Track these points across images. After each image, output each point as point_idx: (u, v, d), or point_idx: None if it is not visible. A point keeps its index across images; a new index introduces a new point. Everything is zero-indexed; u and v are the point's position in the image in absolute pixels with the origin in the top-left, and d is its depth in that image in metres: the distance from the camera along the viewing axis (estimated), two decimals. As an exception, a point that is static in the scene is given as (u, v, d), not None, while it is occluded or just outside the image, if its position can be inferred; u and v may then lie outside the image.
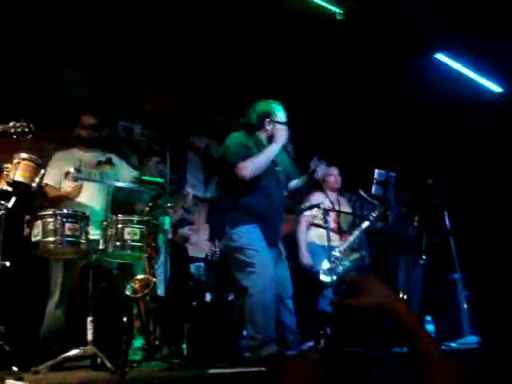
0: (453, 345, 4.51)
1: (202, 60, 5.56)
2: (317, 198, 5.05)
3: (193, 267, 5.35)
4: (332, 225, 4.96)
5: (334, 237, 4.97)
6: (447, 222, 5.33)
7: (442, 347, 4.37)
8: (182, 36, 5.25)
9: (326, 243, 4.89)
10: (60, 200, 3.85)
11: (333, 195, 5.17)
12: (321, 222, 4.91)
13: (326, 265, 4.83)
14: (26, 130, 3.38)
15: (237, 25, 5.03)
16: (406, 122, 6.41)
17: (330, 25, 4.79)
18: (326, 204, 4.86)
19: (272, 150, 3.59)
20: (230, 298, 4.51)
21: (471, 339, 4.58)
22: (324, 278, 4.81)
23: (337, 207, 5.14)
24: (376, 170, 5.08)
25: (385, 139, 6.65)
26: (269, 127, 3.72)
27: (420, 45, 5.29)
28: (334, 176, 5.26)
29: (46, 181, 3.84)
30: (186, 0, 4.85)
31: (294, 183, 3.93)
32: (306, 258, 4.96)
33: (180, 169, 6.34)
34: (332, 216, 5.00)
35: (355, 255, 4.91)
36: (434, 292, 5.31)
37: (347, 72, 5.73)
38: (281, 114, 3.76)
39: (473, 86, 5.85)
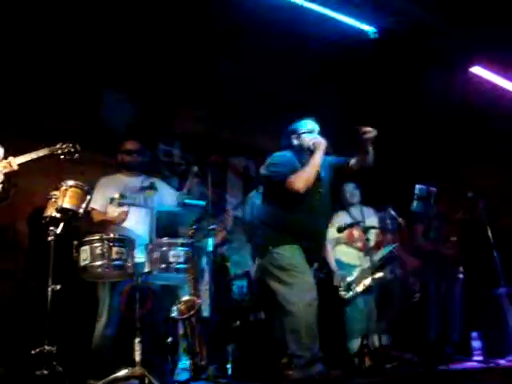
0: (501, 361, 4.42)
1: (238, 83, 5.65)
2: (341, 218, 4.98)
3: (235, 287, 5.39)
4: (359, 243, 4.96)
5: (358, 254, 4.95)
6: (490, 236, 5.25)
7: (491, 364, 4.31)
8: (218, 61, 5.37)
9: (352, 261, 4.96)
10: (106, 224, 3.98)
11: (355, 211, 5.06)
12: (344, 241, 4.97)
13: (346, 281, 4.83)
14: (73, 150, 3.55)
15: (269, 49, 5.12)
16: (443, 136, 6.37)
17: (364, 42, 4.82)
18: (349, 220, 4.80)
19: (316, 159, 3.59)
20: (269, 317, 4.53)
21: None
22: (343, 294, 4.81)
23: (361, 221, 4.93)
24: (416, 185, 5.04)
25: (423, 153, 6.61)
26: (295, 142, 3.77)
27: (456, 58, 5.27)
28: (348, 192, 5.15)
29: (92, 205, 3.97)
30: (218, 29, 4.96)
31: (354, 161, 3.78)
32: (337, 277, 4.91)
33: (221, 191, 6.43)
34: (357, 234, 4.94)
35: (378, 274, 4.77)
36: (479, 308, 5.23)
37: (381, 86, 5.74)
38: (305, 125, 3.80)
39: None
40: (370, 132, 3.59)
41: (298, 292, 3.42)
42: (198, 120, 6.39)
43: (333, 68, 5.44)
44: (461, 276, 5.15)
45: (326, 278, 4.89)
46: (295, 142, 3.78)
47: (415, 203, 4.87)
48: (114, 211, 4.01)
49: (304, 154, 3.71)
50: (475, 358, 4.69)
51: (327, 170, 3.79)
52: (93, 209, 4.03)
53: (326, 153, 3.69)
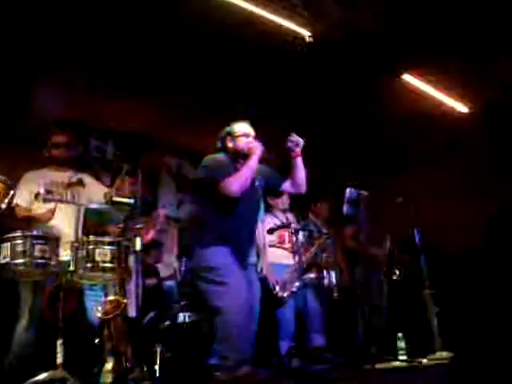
0: (424, 360, 4.56)
1: (173, 81, 5.58)
2: (269, 220, 5.00)
3: (165, 287, 5.33)
4: (287, 244, 5.07)
5: (289, 255, 5.04)
6: (417, 240, 5.41)
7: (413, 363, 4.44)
8: (156, 56, 5.28)
9: (283, 261, 5.04)
10: (31, 222, 3.82)
11: (280, 215, 5.17)
12: (275, 243, 5.07)
13: (280, 281, 4.91)
14: None
15: (205, 46, 5.08)
16: (374, 141, 6.52)
17: (300, 47, 4.87)
18: (278, 223, 4.91)
19: (251, 163, 3.56)
20: (198, 317, 4.51)
21: (442, 354, 4.64)
22: (279, 292, 4.87)
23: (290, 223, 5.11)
24: (347, 189, 5.12)
25: (353, 157, 6.74)
26: (230, 144, 3.74)
27: (388, 65, 5.40)
28: (281, 198, 5.22)
29: (16, 201, 3.80)
30: (155, 24, 4.88)
31: (287, 184, 3.86)
32: (271, 275, 4.95)
33: (152, 189, 6.35)
34: (286, 236, 5.05)
35: (310, 274, 4.99)
36: (404, 308, 5.38)
37: (314, 91, 5.81)
38: (241, 128, 3.77)
39: (440, 106, 5.99)
40: (296, 140, 3.63)
41: (230, 291, 3.38)
42: (133, 117, 6.28)
43: (267, 70, 5.45)
44: (395, 277, 5.29)
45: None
46: (230, 144, 3.75)
47: (346, 206, 4.96)
48: (39, 207, 3.87)
49: (238, 157, 3.70)
50: (400, 357, 4.82)
51: (262, 180, 3.78)
52: (17, 205, 3.85)
53: (265, 160, 3.69)
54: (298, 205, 5.52)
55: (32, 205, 3.90)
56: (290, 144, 3.66)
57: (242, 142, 3.70)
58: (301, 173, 3.77)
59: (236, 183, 3.49)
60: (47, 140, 4.18)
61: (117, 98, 5.92)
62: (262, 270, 4.82)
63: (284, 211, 5.24)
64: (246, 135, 3.73)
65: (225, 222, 3.55)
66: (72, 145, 4.21)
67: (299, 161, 3.73)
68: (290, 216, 5.27)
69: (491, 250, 6.03)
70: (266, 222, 4.94)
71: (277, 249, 5.10)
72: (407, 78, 5.56)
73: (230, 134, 3.78)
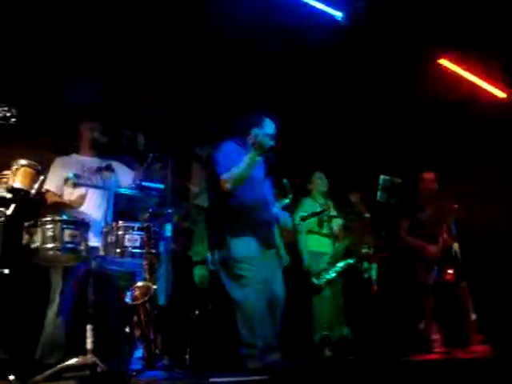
0: (460, 353, 4.44)
1: (205, 71, 5.56)
2: (307, 204, 5.05)
3: (196, 276, 5.30)
4: (325, 230, 5.08)
5: (329, 241, 4.99)
6: (453, 230, 5.26)
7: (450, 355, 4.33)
8: (184, 48, 5.26)
9: (320, 249, 5.01)
10: (62, 207, 3.82)
11: (321, 200, 5.14)
12: (315, 229, 5.06)
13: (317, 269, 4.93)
14: (8, 114, 3.25)
15: (234, 35, 5.03)
16: (410, 127, 6.37)
17: (333, 29, 4.78)
18: (317, 209, 4.91)
19: (248, 158, 3.57)
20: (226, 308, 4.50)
21: (478, 348, 4.52)
22: (315, 280, 4.88)
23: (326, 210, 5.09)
24: (381, 176, 5.01)
25: (389, 144, 6.60)
26: (252, 136, 3.74)
27: (424, 50, 5.27)
28: (321, 180, 5.25)
29: (46, 187, 3.80)
30: (183, 14, 4.84)
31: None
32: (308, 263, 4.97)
33: (184, 178, 6.33)
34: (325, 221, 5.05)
35: (346, 261, 4.96)
36: (440, 300, 5.23)
37: (345, 77, 5.71)
38: (266, 125, 3.80)
39: (476, 91, 5.82)
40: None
41: (249, 285, 3.45)
42: (164, 107, 6.27)
43: (299, 56, 5.35)
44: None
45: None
46: (251, 135, 3.74)
47: (379, 193, 4.87)
48: (70, 193, 3.86)
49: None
50: (435, 349, 4.71)
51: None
52: (47, 190, 3.85)
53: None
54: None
55: (62, 190, 3.90)
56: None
57: (260, 138, 3.67)
58: None
59: (231, 181, 3.54)
60: (86, 125, 4.17)
61: (148, 88, 5.92)
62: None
63: (324, 195, 5.22)
64: (266, 134, 3.73)
65: (247, 209, 3.59)
66: (107, 132, 4.20)
67: None
68: (330, 202, 5.26)
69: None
70: (305, 205, 5.01)
71: (316, 235, 5.08)
72: (445, 62, 5.40)
73: (256, 126, 3.78)
